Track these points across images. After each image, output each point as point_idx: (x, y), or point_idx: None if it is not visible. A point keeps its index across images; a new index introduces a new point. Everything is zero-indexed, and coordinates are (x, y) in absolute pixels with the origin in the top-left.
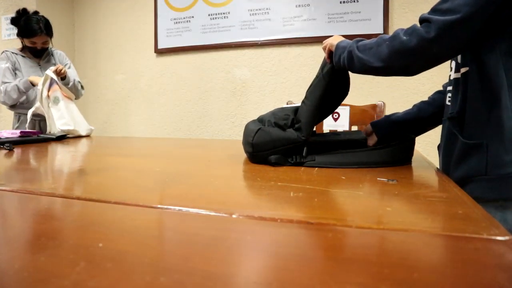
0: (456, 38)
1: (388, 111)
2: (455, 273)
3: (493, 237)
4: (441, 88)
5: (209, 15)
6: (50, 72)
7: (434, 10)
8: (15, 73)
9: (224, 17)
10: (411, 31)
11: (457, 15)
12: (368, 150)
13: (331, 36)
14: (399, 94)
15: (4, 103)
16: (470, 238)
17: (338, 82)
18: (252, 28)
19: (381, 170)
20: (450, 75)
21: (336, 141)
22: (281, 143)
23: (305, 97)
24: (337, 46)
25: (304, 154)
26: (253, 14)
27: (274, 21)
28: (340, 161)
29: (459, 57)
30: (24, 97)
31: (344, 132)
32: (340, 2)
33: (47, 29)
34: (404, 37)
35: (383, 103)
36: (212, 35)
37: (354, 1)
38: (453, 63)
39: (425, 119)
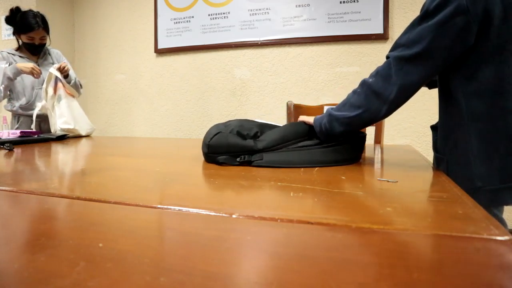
0: (415, 72)
1: None
2: (455, 273)
3: (493, 237)
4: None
5: (209, 15)
6: (53, 70)
7: (394, 45)
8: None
9: (224, 17)
10: (374, 73)
11: (410, 50)
12: (320, 148)
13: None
14: None
15: None
16: (470, 238)
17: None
18: (252, 28)
19: (381, 170)
20: None
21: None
22: (235, 149)
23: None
24: (315, 119)
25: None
26: (253, 14)
27: (274, 21)
28: (288, 160)
29: None
30: (24, 98)
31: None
32: (340, 2)
33: (44, 24)
34: (370, 80)
35: None
36: (212, 35)
37: (354, 1)
38: None
39: None
